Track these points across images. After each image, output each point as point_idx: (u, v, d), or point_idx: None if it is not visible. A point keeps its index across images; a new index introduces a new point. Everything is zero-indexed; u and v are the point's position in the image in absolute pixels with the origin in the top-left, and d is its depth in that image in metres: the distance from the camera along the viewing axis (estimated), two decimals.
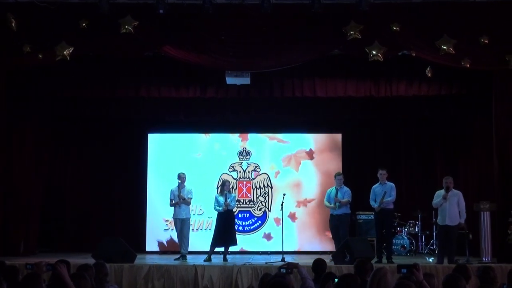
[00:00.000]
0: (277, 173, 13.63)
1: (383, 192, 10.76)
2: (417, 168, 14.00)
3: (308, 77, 11.72)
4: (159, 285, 9.49)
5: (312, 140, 13.75)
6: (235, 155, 13.67)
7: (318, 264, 6.66)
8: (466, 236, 10.77)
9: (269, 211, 13.46)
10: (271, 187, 13.55)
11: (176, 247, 11.86)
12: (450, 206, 10.22)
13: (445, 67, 10.68)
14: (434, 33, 10.26)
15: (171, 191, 11.51)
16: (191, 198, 11.47)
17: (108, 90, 11.83)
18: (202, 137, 13.79)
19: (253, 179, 13.59)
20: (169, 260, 11.03)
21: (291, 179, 13.58)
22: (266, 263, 10.22)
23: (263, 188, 13.57)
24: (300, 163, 13.64)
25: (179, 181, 11.33)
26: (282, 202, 11.44)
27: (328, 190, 11.63)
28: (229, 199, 11.20)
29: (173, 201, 11.37)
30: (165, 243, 13.28)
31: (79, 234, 13.53)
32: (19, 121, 11.93)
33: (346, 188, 11.31)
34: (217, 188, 12.39)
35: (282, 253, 11.04)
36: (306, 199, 13.53)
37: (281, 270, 5.81)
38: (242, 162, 13.62)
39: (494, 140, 10.90)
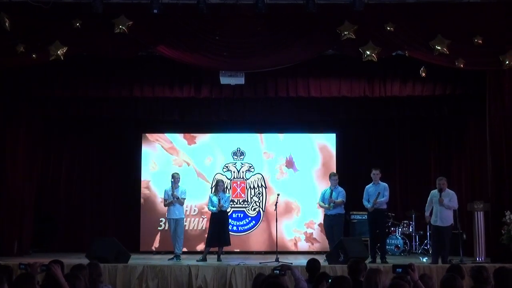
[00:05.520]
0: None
1: (377, 192, 10.76)
2: (411, 168, 13.99)
3: (302, 77, 11.71)
4: (153, 285, 9.46)
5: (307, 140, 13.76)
6: (229, 155, 13.65)
7: (312, 264, 6.66)
8: (460, 236, 10.78)
9: (263, 211, 13.46)
10: (265, 187, 13.55)
11: (170, 247, 11.84)
12: (442, 207, 10.22)
13: (439, 67, 10.69)
14: (428, 33, 10.28)
15: (165, 191, 11.49)
16: (185, 199, 11.47)
17: (102, 90, 11.77)
18: (197, 137, 13.76)
19: (247, 179, 13.58)
20: (163, 260, 11.01)
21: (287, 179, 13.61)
22: (260, 263, 10.20)
23: (257, 188, 13.56)
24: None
25: (173, 181, 11.31)
26: (276, 202, 11.46)
27: (323, 190, 11.62)
28: (223, 199, 11.18)
29: (167, 201, 11.36)
30: (159, 243, 13.25)
31: (73, 234, 13.48)
32: (12, 121, 11.90)
33: (340, 189, 11.30)
34: (211, 188, 12.35)
35: (276, 253, 11.05)
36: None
37: (275, 271, 5.81)
38: (236, 162, 13.61)
39: (488, 140, 10.92)
